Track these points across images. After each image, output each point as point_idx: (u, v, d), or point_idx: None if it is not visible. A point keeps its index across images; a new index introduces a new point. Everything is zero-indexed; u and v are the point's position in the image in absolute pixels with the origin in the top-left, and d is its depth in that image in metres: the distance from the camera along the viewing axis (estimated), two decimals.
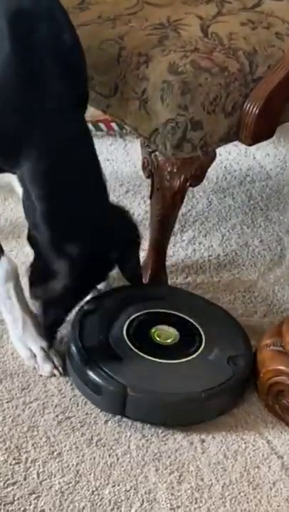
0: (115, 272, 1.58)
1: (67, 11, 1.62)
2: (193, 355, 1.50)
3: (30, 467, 1.37)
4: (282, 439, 1.47)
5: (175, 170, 1.56)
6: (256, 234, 1.98)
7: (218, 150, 1.60)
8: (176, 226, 1.83)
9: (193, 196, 2.07)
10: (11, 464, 1.37)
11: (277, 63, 1.56)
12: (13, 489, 1.33)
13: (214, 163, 1.63)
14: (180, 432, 1.45)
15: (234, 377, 1.47)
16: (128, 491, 1.35)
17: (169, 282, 1.76)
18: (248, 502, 1.35)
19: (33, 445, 1.40)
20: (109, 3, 1.66)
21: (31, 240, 1.45)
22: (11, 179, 1.58)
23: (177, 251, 1.88)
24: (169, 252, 1.78)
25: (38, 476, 1.35)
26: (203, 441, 1.44)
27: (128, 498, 1.34)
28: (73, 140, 1.39)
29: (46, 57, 1.35)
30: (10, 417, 1.44)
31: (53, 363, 1.52)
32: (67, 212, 1.39)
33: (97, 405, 1.46)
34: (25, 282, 1.53)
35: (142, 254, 1.65)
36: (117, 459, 1.39)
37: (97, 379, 1.44)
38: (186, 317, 1.58)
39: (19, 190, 1.46)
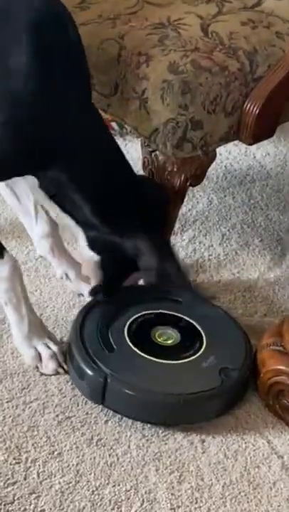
0: None
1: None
2: (187, 359, 1.49)
3: (30, 467, 1.36)
4: (283, 438, 1.46)
5: (175, 169, 1.56)
6: (256, 233, 1.98)
7: (218, 149, 1.60)
8: (177, 225, 1.82)
9: (193, 196, 2.07)
10: (11, 464, 1.37)
11: (278, 63, 1.56)
12: (13, 489, 1.33)
13: (214, 163, 1.63)
14: (180, 431, 1.45)
15: (220, 387, 1.45)
16: (128, 490, 1.35)
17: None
18: (248, 502, 1.35)
19: (33, 445, 1.40)
20: (110, 2, 1.66)
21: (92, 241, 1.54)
22: None
23: (177, 250, 1.88)
24: None
25: (38, 476, 1.35)
26: (203, 441, 1.44)
27: (128, 498, 1.33)
28: (99, 136, 1.46)
29: (64, 60, 1.38)
30: (10, 416, 1.44)
31: (58, 360, 1.52)
32: (112, 200, 1.47)
33: (82, 391, 1.48)
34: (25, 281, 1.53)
35: None
36: (118, 459, 1.39)
37: (82, 364, 1.46)
38: (193, 322, 1.57)
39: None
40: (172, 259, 1.54)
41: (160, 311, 1.59)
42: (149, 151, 1.59)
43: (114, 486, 1.35)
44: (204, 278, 1.81)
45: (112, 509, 1.32)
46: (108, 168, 1.48)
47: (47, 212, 1.70)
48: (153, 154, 1.58)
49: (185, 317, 1.58)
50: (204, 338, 1.54)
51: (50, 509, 1.31)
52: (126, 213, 1.48)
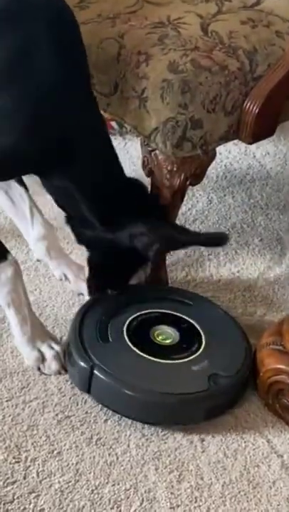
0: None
1: None
2: (178, 361, 1.49)
3: (29, 466, 1.36)
4: (282, 438, 1.46)
5: (175, 169, 1.56)
6: (256, 233, 1.98)
7: (218, 149, 1.60)
8: None
9: (193, 195, 2.07)
10: (10, 463, 1.37)
11: (278, 62, 1.56)
12: (12, 488, 1.33)
13: (214, 162, 1.63)
14: (180, 431, 1.45)
15: (205, 392, 1.44)
16: (128, 489, 1.35)
17: (169, 281, 1.75)
18: (247, 501, 1.35)
19: (32, 444, 1.40)
20: (109, 1, 1.66)
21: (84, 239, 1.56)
22: None
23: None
24: None
25: (38, 475, 1.35)
26: (203, 440, 1.44)
27: (128, 497, 1.33)
28: (100, 134, 1.49)
29: (78, 56, 1.42)
30: (10, 415, 1.44)
31: (60, 361, 1.52)
32: (109, 195, 1.48)
33: (72, 378, 1.50)
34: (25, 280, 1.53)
35: None
36: (117, 458, 1.39)
37: (74, 351, 1.48)
38: (196, 324, 1.57)
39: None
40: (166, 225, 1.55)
41: (164, 310, 1.60)
42: (148, 150, 1.59)
43: (113, 485, 1.35)
44: (204, 277, 1.81)
45: (112, 508, 1.32)
46: (107, 167, 1.49)
47: (42, 214, 1.71)
48: (153, 153, 1.58)
49: (189, 319, 1.58)
50: (203, 341, 1.53)
51: (50, 508, 1.31)
52: (124, 211, 1.49)
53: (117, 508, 1.32)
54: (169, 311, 1.60)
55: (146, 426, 1.45)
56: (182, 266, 1.84)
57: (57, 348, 1.53)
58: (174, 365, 1.48)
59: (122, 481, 1.36)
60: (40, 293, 1.72)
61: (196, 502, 1.34)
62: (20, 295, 1.51)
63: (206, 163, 1.60)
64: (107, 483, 1.35)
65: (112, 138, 1.54)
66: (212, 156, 1.59)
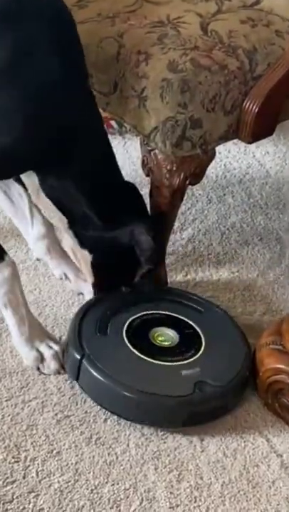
0: None
1: None
2: (170, 363, 1.48)
3: (29, 466, 1.36)
4: (282, 437, 1.46)
5: (174, 168, 1.56)
6: (256, 232, 1.97)
7: (217, 148, 1.60)
8: (176, 224, 1.82)
9: (192, 194, 2.07)
10: (10, 463, 1.36)
11: (277, 61, 1.56)
12: (12, 488, 1.33)
13: (214, 162, 1.63)
14: (179, 430, 1.45)
15: (187, 398, 1.43)
16: (127, 489, 1.35)
17: (169, 280, 1.75)
18: (247, 501, 1.35)
19: (32, 444, 1.40)
20: (109, 0, 1.65)
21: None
22: None
23: (176, 249, 1.88)
24: (168, 250, 1.78)
25: (37, 475, 1.35)
26: (202, 439, 1.44)
27: (127, 497, 1.33)
28: (99, 132, 1.50)
29: (77, 56, 1.43)
30: (9, 415, 1.44)
31: (60, 360, 1.52)
32: (109, 194, 1.50)
33: (66, 366, 1.51)
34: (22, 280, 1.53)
35: None
36: (116, 458, 1.39)
37: (70, 339, 1.51)
38: (199, 331, 1.56)
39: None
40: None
41: (170, 313, 1.60)
42: (148, 150, 1.58)
43: (113, 484, 1.35)
44: (204, 277, 1.81)
45: (111, 508, 1.31)
46: (106, 165, 1.50)
47: (41, 214, 1.70)
48: (152, 153, 1.57)
49: (194, 325, 1.57)
50: (202, 349, 1.52)
51: (49, 508, 1.30)
52: (124, 210, 1.50)
53: (117, 507, 1.32)
54: (176, 315, 1.59)
55: (145, 426, 1.45)
56: (182, 265, 1.83)
57: (56, 347, 1.53)
58: (162, 367, 1.48)
59: (122, 480, 1.36)
60: (40, 292, 1.72)
61: (195, 502, 1.34)
62: (18, 296, 1.51)
63: (206, 163, 1.59)
64: (106, 482, 1.35)
65: (112, 137, 1.55)
66: (211, 156, 1.59)
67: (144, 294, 1.63)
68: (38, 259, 1.76)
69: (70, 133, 1.41)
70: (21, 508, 1.30)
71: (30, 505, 1.30)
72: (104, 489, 1.34)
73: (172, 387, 1.44)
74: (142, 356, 1.49)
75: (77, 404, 1.48)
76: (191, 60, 1.50)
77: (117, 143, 2.17)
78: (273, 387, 1.49)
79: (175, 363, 1.48)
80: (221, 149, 2.12)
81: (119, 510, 1.32)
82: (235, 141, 1.62)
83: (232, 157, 2.24)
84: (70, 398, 1.48)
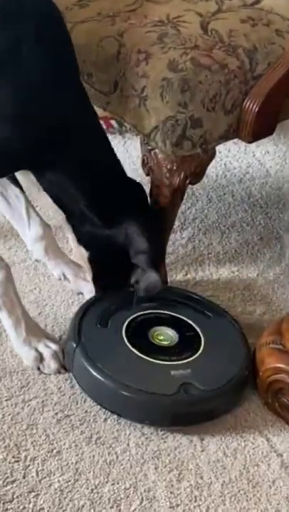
0: None
1: (67, 8, 1.63)
2: (162, 362, 1.48)
3: (29, 465, 1.36)
4: (282, 437, 1.46)
5: (175, 167, 1.56)
6: (256, 231, 1.97)
7: (217, 147, 1.60)
8: (176, 223, 1.82)
9: (192, 194, 2.06)
10: (10, 462, 1.36)
11: (278, 60, 1.56)
12: (12, 487, 1.33)
13: (214, 161, 1.63)
14: (179, 430, 1.45)
15: (170, 397, 1.42)
16: (127, 489, 1.35)
17: (169, 280, 1.75)
18: (247, 500, 1.35)
19: (32, 443, 1.40)
20: (109, 0, 1.65)
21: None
22: None
23: (177, 248, 1.88)
24: (169, 249, 1.78)
25: (38, 474, 1.35)
26: (202, 439, 1.44)
27: (127, 496, 1.33)
28: (94, 129, 1.49)
29: (67, 56, 1.41)
30: (9, 415, 1.44)
31: (59, 359, 1.52)
32: (106, 191, 1.49)
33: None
34: (15, 282, 1.54)
35: None
36: (117, 457, 1.39)
37: (70, 327, 1.54)
38: (201, 335, 1.55)
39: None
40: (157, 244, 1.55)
41: (176, 314, 1.59)
42: (148, 149, 1.58)
43: (113, 484, 1.35)
44: (204, 276, 1.81)
45: (112, 507, 1.31)
46: (103, 163, 1.50)
47: (38, 215, 1.70)
48: (152, 152, 1.57)
49: (198, 329, 1.56)
50: (199, 352, 1.51)
51: (50, 507, 1.30)
52: (123, 208, 1.50)
53: (117, 507, 1.32)
54: (181, 317, 1.59)
55: (145, 425, 1.45)
56: (182, 265, 1.83)
57: (54, 347, 1.53)
58: (153, 364, 1.47)
59: (122, 480, 1.36)
60: (40, 292, 1.71)
61: (195, 501, 1.34)
62: (12, 298, 1.51)
63: (206, 162, 1.59)
64: (106, 482, 1.35)
65: (112, 137, 1.54)
66: (212, 155, 1.59)
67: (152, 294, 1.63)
68: (36, 261, 1.76)
69: (62, 132, 1.40)
70: (21, 507, 1.30)
71: (31, 505, 1.30)
72: (104, 489, 1.34)
73: (159, 385, 1.44)
74: (135, 351, 1.49)
75: (77, 404, 1.48)
76: (192, 60, 1.50)
77: (117, 142, 2.17)
78: (273, 386, 1.49)
79: (166, 362, 1.48)
80: (221, 149, 2.12)
81: (120, 509, 1.32)
82: (235, 140, 1.62)
83: (232, 156, 2.24)
84: (70, 397, 1.48)
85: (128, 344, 1.50)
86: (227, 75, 1.51)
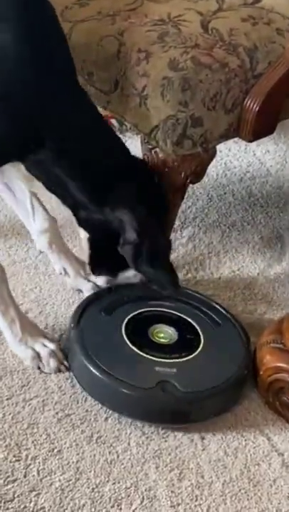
0: None
1: (67, 8, 1.62)
2: (150, 357, 1.48)
3: (30, 464, 1.36)
4: (283, 436, 1.46)
5: (175, 166, 1.56)
6: (256, 231, 1.97)
7: (218, 146, 1.60)
8: (176, 223, 1.82)
9: (193, 193, 2.06)
10: (11, 462, 1.36)
11: (278, 59, 1.56)
12: (13, 486, 1.33)
13: (214, 160, 1.63)
14: (180, 429, 1.45)
15: (144, 390, 1.42)
16: (128, 488, 1.35)
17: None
18: (248, 499, 1.35)
19: (33, 442, 1.40)
20: None
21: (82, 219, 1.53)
22: None
23: (177, 248, 1.88)
24: None
25: (38, 474, 1.35)
26: (203, 438, 1.44)
27: (128, 496, 1.33)
28: (85, 111, 1.44)
29: (49, 36, 1.38)
30: (10, 414, 1.44)
31: (58, 358, 1.52)
32: (100, 177, 1.45)
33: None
34: (16, 281, 1.53)
35: None
36: (118, 456, 1.39)
37: (72, 316, 1.56)
38: (202, 340, 1.54)
39: None
40: (154, 240, 1.49)
41: (184, 316, 1.59)
42: (149, 148, 1.58)
43: (114, 483, 1.35)
44: (204, 275, 1.81)
45: (112, 507, 1.31)
46: (95, 145, 1.46)
47: (44, 208, 1.70)
48: (153, 151, 1.57)
49: (201, 334, 1.55)
50: (192, 355, 1.51)
51: (50, 507, 1.30)
52: (115, 191, 1.46)
53: (118, 506, 1.32)
54: (189, 319, 1.59)
55: (146, 424, 1.45)
56: (182, 264, 1.83)
57: (51, 346, 1.52)
58: (140, 357, 1.48)
59: (123, 479, 1.36)
60: (41, 291, 1.71)
61: (196, 500, 1.34)
62: (5, 299, 1.51)
63: (207, 161, 1.59)
64: (107, 481, 1.35)
65: None
66: (212, 154, 1.59)
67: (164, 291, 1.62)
68: (40, 252, 1.76)
69: (44, 121, 1.37)
70: (22, 506, 1.30)
71: (31, 504, 1.30)
72: (105, 488, 1.34)
73: (139, 378, 1.44)
74: (128, 343, 1.50)
75: (78, 403, 1.47)
76: (192, 58, 1.49)
77: None
78: (274, 385, 1.49)
79: (154, 358, 1.48)
80: (221, 148, 2.12)
81: (120, 508, 1.32)
82: (235, 139, 1.62)
83: (232, 155, 2.24)
84: (70, 397, 1.48)
85: (124, 336, 1.51)
86: (227, 74, 1.51)
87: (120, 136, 2.20)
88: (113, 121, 2.19)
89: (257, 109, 1.53)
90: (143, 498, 1.33)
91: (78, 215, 1.53)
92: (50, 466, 1.36)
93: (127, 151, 1.51)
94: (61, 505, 1.31)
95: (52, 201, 1.69)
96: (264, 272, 1.84)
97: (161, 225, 1.55)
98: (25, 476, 1.34)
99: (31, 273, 1.76)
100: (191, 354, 1.51)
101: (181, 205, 1.67)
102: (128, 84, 1.53)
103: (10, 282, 1.54)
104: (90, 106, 1.46)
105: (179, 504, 1.33)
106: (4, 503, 1.30)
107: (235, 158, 2.24)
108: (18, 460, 1.37)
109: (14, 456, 1.37)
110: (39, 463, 1.37)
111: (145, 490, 1.35)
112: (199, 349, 1.52)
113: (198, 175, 1.60)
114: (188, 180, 1.59)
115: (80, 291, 1.71)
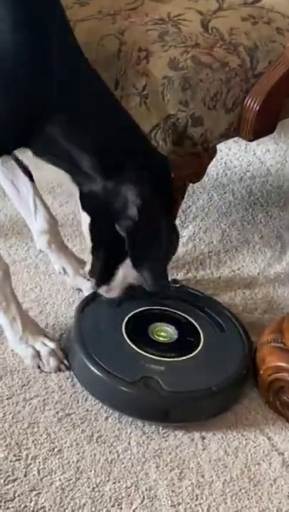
0: None
1: (67, 7, 1.62)
2: (143, 352, 1.48)
3: (30, 464, 1.36)
4: (283, 435, 1.46)
5: (175, 166, 1.56)
6: (256, 230, 1.97)
7: (218, 146, 1.60)
8: (177, 222, 1.81)
9: (193, 192, 2.06)
10: (11, 461, 1.36)
11: (278, 59, 1.56)
12: (13, 486, 1.33)
13: (214, 159, 1.63)
14: (180, 428, 1.45)
15: (128, 384, 1.42)
16: (129, 487, 1.35)
17: (169, 279, 1.75)
18: (248, 499, 1.35)
19: (33, 442, 1.40)
20: None
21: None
22: None
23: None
24: None
25: (39, 473, 1.35)
26: (203, 437, 1.44)
27: (129, 495, 1.33)
28: (92, 83, 1.41)
29: (47, 17, 1.35)
30: (10, 413, 1.44)
31: (58, 357, 1.52)
32: (111, 150, 1.40)
33: None
34: (16, 280, 1.53)
35: None
36: (118, 456, 1.39)
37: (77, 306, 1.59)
38: (202, 343, 1.54)
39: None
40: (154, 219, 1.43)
41: (188, 317, 1.59)
42: None
43: (114, 482, 1.35)
44: (204, 274, 1.81)
45: (113, 506, 1.31)
46: (105, 117, 1.41)
47: (46, 208, 1.70)
48: None
49: (202, 337, 1.55)
50: (188, 356, 1.50)
51: (51, 506, 1.30)
52: (125, 163, 1.40)
53: (118, 505, 1.32)
54: (193, 321, 1.58)
55: (146, 424, 1.45)
56: (182, 263, 1.83)
57: (51, 345, 1.52)
58: (133, 353, 1.48)
59: (123, 478, 1.36)
60: (41, 290, 1.71)
61: (196, 500, 1.34)
62: (8, 297, 1.51)
63: (207, 161, 1.59)
64: (107, 481, 1.35)
65: None
66: (212, 154, 1.59)
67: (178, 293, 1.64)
68: (40, 251, 1.76)
69: (55, 91, 1.34)
70: (22, 506, 1.30)
71: (32, 504, 1.30)
72: (105, 487, 1.34)
73: (127, 371, 1.44)
74: (125, 337, 1.50)
75: (78, 402, 1.47)
76: (192, 58, 1.49)
77: None
78: (274, 385, 1.49)
79: (146, 354, 1.48)
80: (221, 147, 2.12)
81: (121, 508, 1.31)
82: (235, 138, 1.62)
83: (233, 155, 2.24)
84: (71, 396, 1.48)
85: (123, 330, 1.51)
86: (228, 73, 1.51)
87: None
88: None
89: (257, 108, 1.53)
90: (143, 497, 1.33)
91: (83, 192, 1.45)
92: (50, 466, 1.36)
93: (140, 131, 1.45)
94: (61, 504, 1.31)
95: (52, 202, 1.70)
96: (264, 272, 1.84)
97: (166, 214, 1.49)
98: (25, 476, 1.34)
99: (31, 272, 1.76)
100: (186, 355, 1.50)
101: (181, 204, 1.67)
102: (128, 83, 1.53)
103: None
104: (97, 77, 1.42)
105: (179, 503, 1.33)
106: (5, 502, 1.30)
107: (235, 157, 2.24)
108: (19, 459, 1.37)
109: (14, 455, 1.37)
110: (39, 462, 1.37)
111: (146, 489, 1.35)
112: (196, 352, 1.52)
113: (198, 174, 1.60)
114: (188, 180, 1.59)
115: (80, 290, 1.71)
